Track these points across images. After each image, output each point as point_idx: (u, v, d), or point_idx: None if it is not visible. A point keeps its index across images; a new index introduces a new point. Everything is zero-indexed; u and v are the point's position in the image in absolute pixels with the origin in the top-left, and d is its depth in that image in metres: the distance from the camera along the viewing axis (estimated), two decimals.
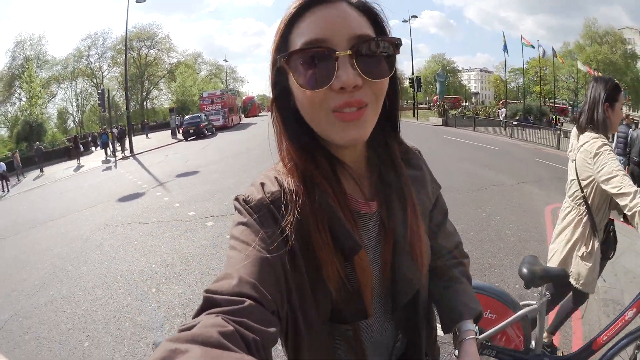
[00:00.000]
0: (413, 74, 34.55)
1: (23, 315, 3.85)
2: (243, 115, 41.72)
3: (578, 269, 1.96)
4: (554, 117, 27.56)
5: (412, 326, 0.74)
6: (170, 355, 0.37)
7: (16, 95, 43.82)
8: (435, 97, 30.60)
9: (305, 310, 0.60)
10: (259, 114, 47.01)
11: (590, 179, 1.87)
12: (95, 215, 7.66)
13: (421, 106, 40.50)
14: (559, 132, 15.83)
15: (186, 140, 22.85)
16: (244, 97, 49.94)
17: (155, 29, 51.53)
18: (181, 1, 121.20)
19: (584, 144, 1.87)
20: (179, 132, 25.54)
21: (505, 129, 20.14)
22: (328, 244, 0.60)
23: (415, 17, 35.28)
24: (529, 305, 1.80)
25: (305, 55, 0.55)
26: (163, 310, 3.51)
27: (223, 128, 27.75)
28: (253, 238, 0.56)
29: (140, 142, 23.97)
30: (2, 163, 17.89)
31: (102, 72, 49.12)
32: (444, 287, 0.81)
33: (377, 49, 0.57)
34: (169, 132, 27.77)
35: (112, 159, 18.39)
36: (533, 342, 1.86)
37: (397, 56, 0.61)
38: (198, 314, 0.47)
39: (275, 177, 0.65)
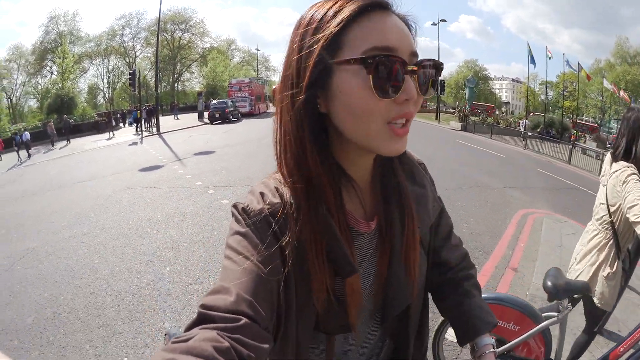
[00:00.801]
0: None
1: (49, 244, 4.88)
2: (271, 104, 41.62)
3: (602, 289, 2.01)
4: (574, 132, 27.22)
5: (401, 339, 0.76)
6: None
7: (47, 68, 44.15)
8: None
9: (289, 323, 0.60)
10: None
11: (618, 205, 1.92)
12: (118, 180, 8.73)
13: (450, 110, 40.29)
14: (571, 147, 15.81)
15: (212, 123, 23.60)
16: (273, 87, 49.54)
17: (190, 13, 51.27)
18: None
19: (616, 171, 1.92)
20: (205, 115, 26.49)
21: (523, 140, 20.09)
22: (323, 267, 0.59)
23: (444, 21, 34.79)
24: (551, 317, 1.84)
25: (381, 61, 0.53)
26: (158, 244, 4.50)
27: (249, 115, 28.33)
28: (250, 250, 0.56)
29: (168, 122, 25.19)
30: (26, 132, 19.92)
31: (135, 52, 48.70)
32: (457, 303, 0.82)
33: (430, 68, 0.59)
34: (196, 114, 28.81)
35: (139, 136, 19.65)
36: (554, 353, 1.92)
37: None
38: (192, 327, 0.47)
39: (276, 188, 0.63)
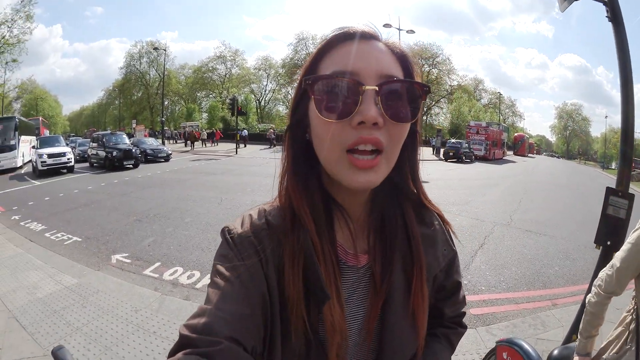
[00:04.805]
0: None
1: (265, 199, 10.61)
2: (511, 152, 39.79)
3: None
4: None
5: None
6: None
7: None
8: None
9: (274, 348, 0.58)
10: (527, 155, 44.89)
11: None
12: None
13: None
14: None
15: (445, 160, 24.47)
16: (515, 134, 47.04)
17: (436, 49, 52.57)
18: (465, 22, 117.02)
19: None
20: (439, 151, 27.65)
21: None
22: (298, 290, 0.58)
23: None
24: None
25: (331, 82, 0.54)
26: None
27: (483, 159, 28.43)
28: (231, 271, 0.56)
29: None
30: (245, 130, 32.05)
31: None
32: (425, 342, 0.75)
33: (404, 91, 0.56)
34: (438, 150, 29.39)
35: None
36: None
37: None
38: (175, 352, 0.47)
39: (265, 210, 0.65)
